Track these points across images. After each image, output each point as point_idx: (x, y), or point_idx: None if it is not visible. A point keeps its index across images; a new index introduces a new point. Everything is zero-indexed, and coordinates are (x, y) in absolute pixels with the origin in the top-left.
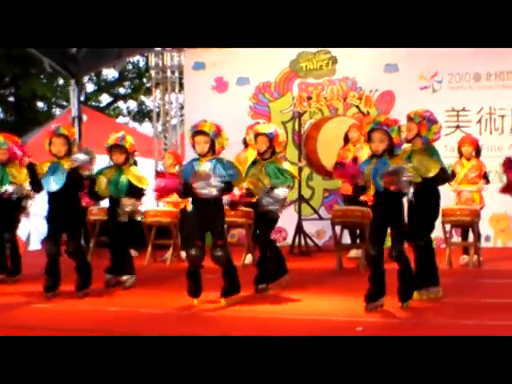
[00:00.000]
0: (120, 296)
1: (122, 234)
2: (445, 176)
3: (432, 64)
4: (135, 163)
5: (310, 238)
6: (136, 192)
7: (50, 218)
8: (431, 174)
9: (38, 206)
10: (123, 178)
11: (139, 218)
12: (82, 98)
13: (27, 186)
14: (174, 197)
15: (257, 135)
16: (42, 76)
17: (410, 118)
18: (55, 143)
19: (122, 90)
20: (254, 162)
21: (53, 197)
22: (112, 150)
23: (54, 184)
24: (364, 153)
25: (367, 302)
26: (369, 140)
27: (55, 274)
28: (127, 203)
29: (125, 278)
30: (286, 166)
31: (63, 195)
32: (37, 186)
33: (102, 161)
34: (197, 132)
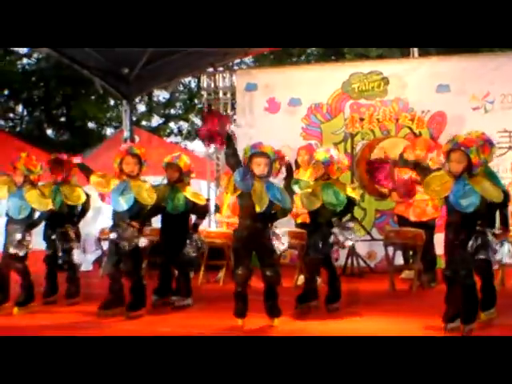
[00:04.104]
0: (172, 317)
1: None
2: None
3: (484, 84)
4: None
5: (363, 259)
6: (196, 210)
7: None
8: (497, 201)
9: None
10: (179, 195)
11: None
12: (134, 119)
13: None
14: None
15: (314, 161)
16: (92, 97)
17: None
18: (129, 162)
19: (172, 111)
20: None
21: (117, 215)
22: (167, 167)
23: (122, 204)
24: None
25: (446, 323)
26: (447, 159)
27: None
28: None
29: (174, 298)
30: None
31: (127, 215)
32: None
33: (153, 182)
34: (258, 153)
